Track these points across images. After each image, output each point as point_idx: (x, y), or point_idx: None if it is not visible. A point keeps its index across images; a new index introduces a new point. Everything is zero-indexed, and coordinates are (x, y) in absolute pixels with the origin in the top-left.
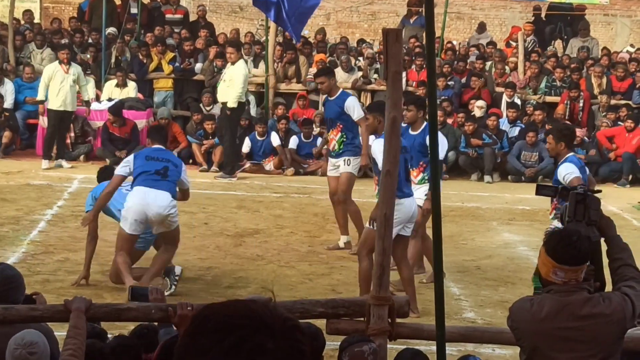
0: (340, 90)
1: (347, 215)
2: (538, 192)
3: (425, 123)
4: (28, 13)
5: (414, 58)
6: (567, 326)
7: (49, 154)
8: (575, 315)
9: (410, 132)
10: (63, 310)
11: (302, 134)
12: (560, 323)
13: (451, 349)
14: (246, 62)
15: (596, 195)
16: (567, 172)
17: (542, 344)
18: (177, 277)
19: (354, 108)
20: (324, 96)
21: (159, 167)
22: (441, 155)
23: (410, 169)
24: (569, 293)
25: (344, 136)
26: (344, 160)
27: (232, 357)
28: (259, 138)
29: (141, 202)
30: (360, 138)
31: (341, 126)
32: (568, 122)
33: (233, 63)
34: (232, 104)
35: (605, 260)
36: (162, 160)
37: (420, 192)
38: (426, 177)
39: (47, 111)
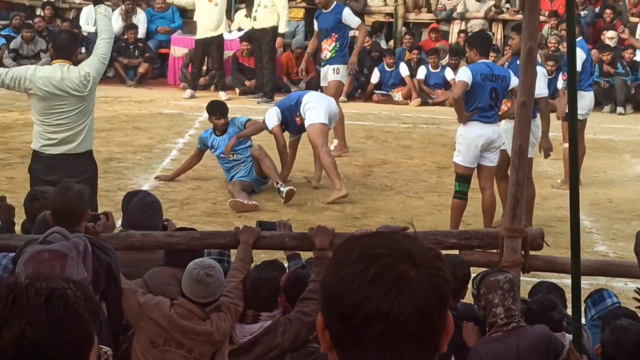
0: (335, 2)
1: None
2: None
3: None
4: None
5: None
6: None
7: (194, 84)
8: None
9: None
10: (199, 237)
11: (429, 64)
12: None
13: (583, 282)
14: None
15: None
16: None
17: None
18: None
19: (351, 17)
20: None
21: None
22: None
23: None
24: None
25: (337, 45)
26: (333, 69)
27: (375, 287)
28: (387, 69)
29: None
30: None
31: (336, 36)
32: None
33: None
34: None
35: None
36: None
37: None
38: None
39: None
